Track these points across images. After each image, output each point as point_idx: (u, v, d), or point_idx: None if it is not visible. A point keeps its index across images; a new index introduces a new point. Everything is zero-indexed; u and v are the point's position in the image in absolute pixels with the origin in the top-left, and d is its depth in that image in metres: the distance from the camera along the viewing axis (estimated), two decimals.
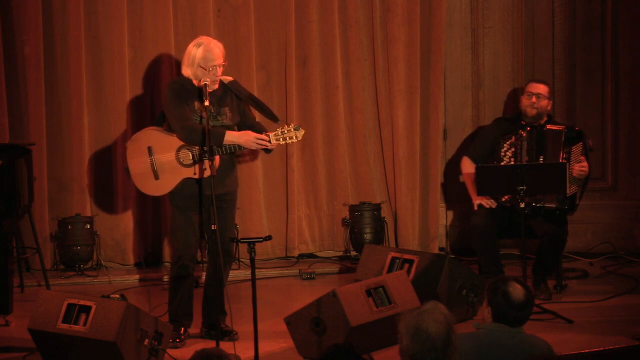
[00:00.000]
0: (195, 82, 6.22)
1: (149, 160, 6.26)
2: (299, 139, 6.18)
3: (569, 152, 7.20)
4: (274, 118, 6.54)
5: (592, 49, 8.46)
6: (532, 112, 7.28)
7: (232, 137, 6.18)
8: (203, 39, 6.29)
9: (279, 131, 6.16)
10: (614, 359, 4.18)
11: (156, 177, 6.26)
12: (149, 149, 6.27)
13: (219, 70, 6.22)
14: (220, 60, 6.21)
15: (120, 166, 7.98)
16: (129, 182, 7.92)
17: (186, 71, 6.26)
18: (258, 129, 6.30)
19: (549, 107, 7.37)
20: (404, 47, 8.28)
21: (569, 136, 7.22)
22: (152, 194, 6.39)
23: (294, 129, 6.15)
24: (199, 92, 6.18)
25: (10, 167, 6.75)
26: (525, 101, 7.34)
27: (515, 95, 8.31)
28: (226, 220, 6.32)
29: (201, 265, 7.57)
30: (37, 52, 7.88)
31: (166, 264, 8.07)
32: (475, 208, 7.30)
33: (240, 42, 8.16)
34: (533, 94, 7.31)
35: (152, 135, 6.30)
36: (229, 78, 6.42)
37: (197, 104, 6.23)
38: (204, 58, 6.18)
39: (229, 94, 6.34)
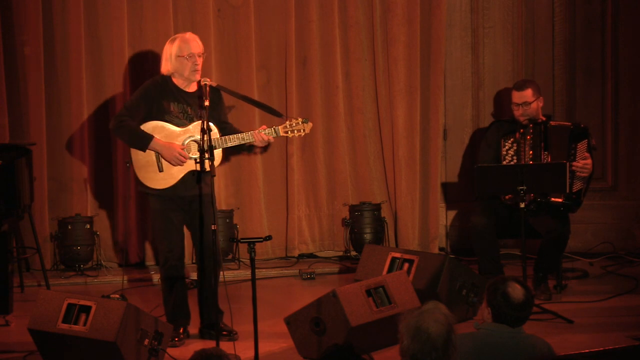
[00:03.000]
0: (175, 79, 6.24)
1: (153, 153, 6.25)
2: (307, 131, 6.31)
3: (574, 148, 7.18)
4: (276, 114, 6.55)
5: (592, 49, 8.45)
6: (524, 120, 7.25)
7: (157, 146, 6.21)
8: (177, 35, 6.37)
9: (287, 124, 6.26)
10: (614, 359, 4.18)
11: (160, 170, 6.26)
12: None
13: (199, 60, 6.22)
14: (197, 49, 6.22)
15: (121, 166, 7.98)
16: (129, 183, 7.93)
17: (166, 66, 6.28)
18: (229, 128, 6.33)
19: (540, 105, 7.29)
20: (404, 47, 8.27)
21: (575, 133, 7.19)
22: (154, 186, 6.36)
23: (302, 122, 6.29)
24: (178, 92, 6.19)
25: (10, 167, 6.75)
26: (514, 111, 7.30)
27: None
28: (205, 223, 6.14)
29: (194, 265, 7.57)
30: (37, 52, 7.88)
31: None
32: None
33: (240, 42, 8.16)
34: (519, 104, 7.27)
35: (157, 128, 6.27)
36: (213, 83, 6.33)
37: (172, 106, 6.21)
38: (180, 47, 6.22)
39: (215, 95, 6.29)
